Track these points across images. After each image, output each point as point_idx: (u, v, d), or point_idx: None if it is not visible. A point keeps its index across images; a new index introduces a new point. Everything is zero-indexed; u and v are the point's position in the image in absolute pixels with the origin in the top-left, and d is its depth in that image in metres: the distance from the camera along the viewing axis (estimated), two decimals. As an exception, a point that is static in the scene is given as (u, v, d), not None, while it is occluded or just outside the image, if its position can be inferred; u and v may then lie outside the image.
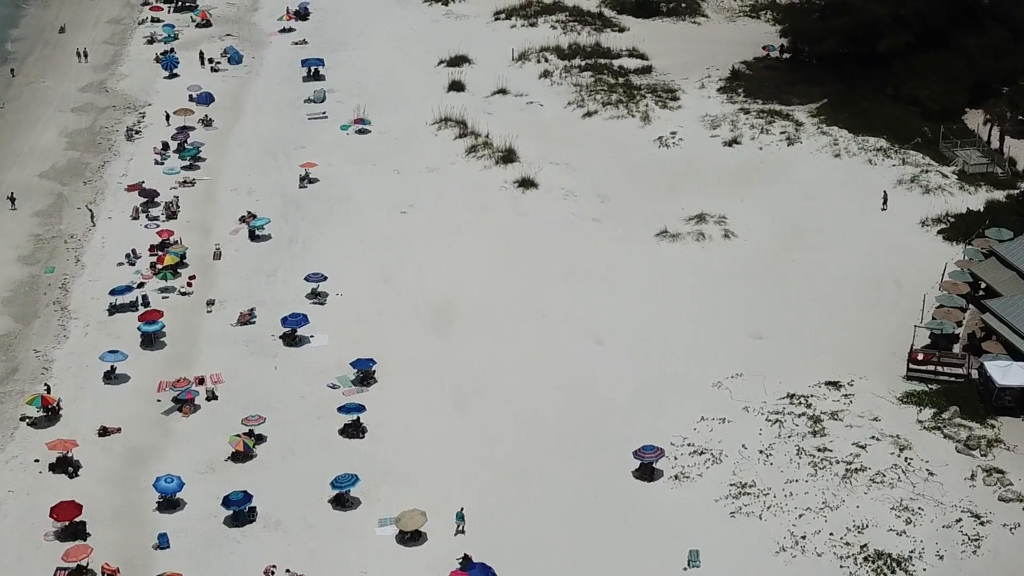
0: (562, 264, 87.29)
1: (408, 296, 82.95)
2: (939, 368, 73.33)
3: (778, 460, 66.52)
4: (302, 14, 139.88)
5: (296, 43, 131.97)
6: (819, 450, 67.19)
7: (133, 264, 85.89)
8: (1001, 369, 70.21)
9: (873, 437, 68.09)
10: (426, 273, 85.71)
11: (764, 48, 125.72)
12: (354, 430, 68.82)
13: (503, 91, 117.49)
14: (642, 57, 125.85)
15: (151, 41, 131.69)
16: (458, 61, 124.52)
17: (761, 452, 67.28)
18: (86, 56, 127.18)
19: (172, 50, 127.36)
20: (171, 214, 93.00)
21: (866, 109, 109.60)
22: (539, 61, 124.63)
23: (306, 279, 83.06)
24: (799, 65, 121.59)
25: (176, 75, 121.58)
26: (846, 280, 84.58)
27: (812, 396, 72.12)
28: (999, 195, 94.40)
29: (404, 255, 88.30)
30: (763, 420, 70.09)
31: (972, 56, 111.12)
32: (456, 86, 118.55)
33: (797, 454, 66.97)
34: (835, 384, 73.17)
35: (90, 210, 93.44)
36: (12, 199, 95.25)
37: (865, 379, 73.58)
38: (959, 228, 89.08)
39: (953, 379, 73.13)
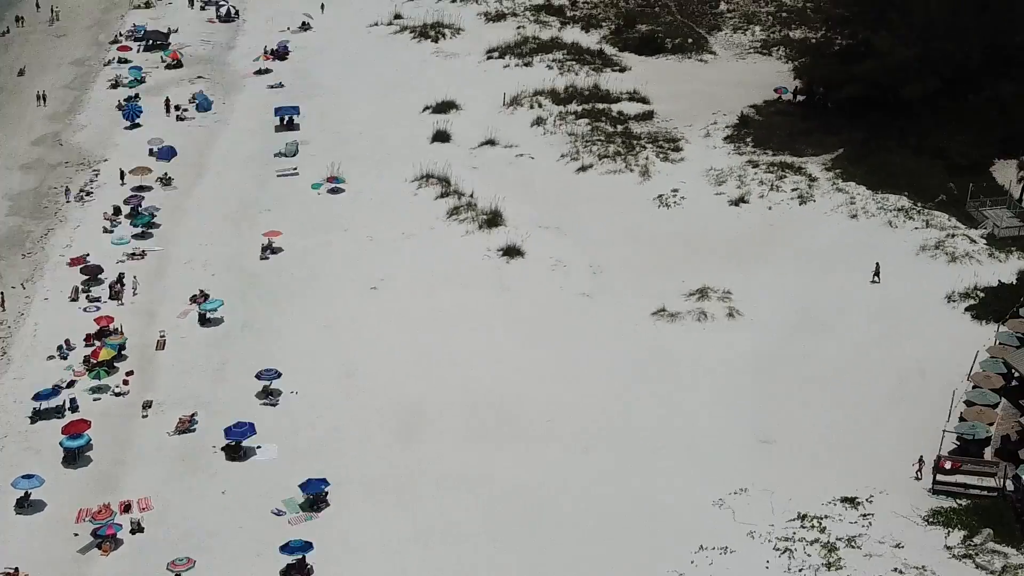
0: (549, 352, 78.16)
1: (373, 396, 73.56)
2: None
3: (787, 606, 57.37)
4: (281, 54, 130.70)
5: (272, 87, 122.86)
6: (834, 590, 58.06)
7: (65, 358, 76.46)
8: (1043, 486, 60.82)
9: (896, 570, 58.81)
10: (395, 367, 76.45)
11: (776, 90, 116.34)
12: (298, 573, 59.58)
13: (492, 142, 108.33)
14: (643, 101, 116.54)
15: (115, 85, 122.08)
16: (445, 107, 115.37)
17: (768, 595, 58.12)
18: (45, 100, 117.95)
19: (136, 96, 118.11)
20: (115, 294, 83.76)
21: (886, 162, 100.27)
22: (532, 107, 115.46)
23: (257, 376, 73.82)
24: (814, 110, 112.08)
25: (138, 125, 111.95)
26: (865, 369, 75.38)
27: (826, 516, 62.90)
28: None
29: (371, 343, 79.16)
30: (771, 549, 60.77)
31: (1006, 105, 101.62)
32: (441, 136, 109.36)
33: (810, 596, 57.82)
34: (852, 501, 64.00)
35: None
36: None
37: (886, 494, 64.48)
38: (990, 305, 79.56)
39: (985, 492, 63.95)
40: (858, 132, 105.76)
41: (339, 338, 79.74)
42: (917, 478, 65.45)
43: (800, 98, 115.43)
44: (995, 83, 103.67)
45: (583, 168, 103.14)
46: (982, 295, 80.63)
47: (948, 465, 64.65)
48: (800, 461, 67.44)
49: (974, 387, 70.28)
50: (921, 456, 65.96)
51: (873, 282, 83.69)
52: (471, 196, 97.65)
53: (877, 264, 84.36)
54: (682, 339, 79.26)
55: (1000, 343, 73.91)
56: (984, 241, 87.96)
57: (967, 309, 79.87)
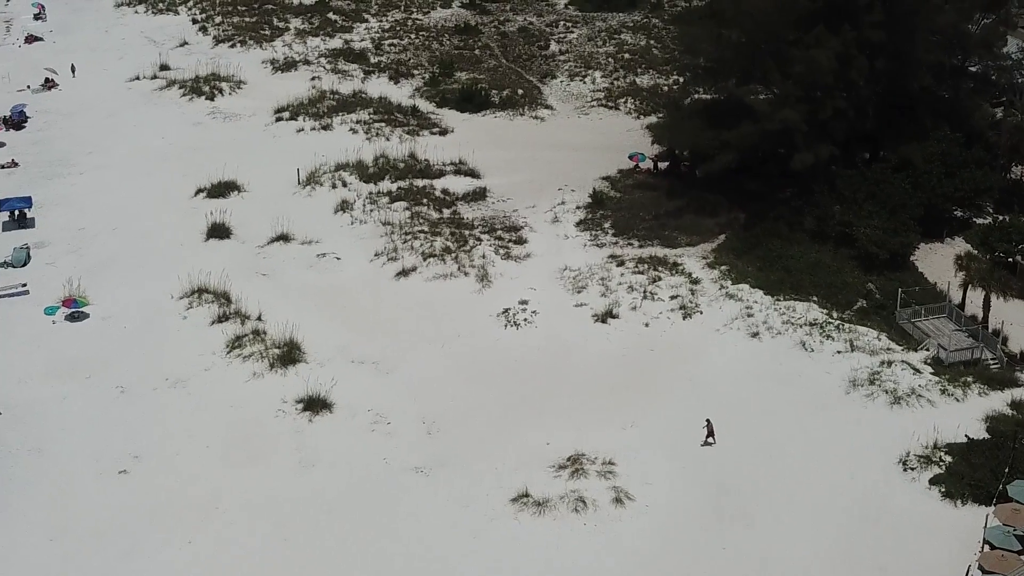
0: (374, 571, 55.31)
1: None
2: None
3: None
4: (16, 122, 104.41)
5: (4, 166, 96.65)
6: None
7: None
8: None
9: None
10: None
11: (632, 158, 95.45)
12: None
13: (284, 237, 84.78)
14: (472, 174, 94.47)
15: None
16: (223, 189, 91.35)
17: None
18: None
19: None
20: None
21: (782, 254, 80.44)
22: (334, 185, 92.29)
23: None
24: (680, 183, 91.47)
25: None
26: (812, 577, 54.69)
27: None
28: (998, 402, 65.24)
29: (121, 562, 55.18)
30: None
31: (918, 172, 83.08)
32: (218, 231, 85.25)
33: None
34: None
35: None
36: None
37: None
38: (962, 476, 59.41)
39: None
40: (739, 211, 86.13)
41: (77, 558, 55.62)
42: None
43: (662, 165, 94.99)
44: (898, 145, 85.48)
45: (404, 272, 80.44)
46: (948, 458, 60.50)
47: None
48: None
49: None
50: None
51: (707, 444, 63.12)
52: (259, 319, 74.34)
53: (708, 421, 63.46)
54: (556, 541, 57.12)
55: (992, 546, 53.57)
56: (930, 369, 68.17)
57: (932, 482, 59.54)
